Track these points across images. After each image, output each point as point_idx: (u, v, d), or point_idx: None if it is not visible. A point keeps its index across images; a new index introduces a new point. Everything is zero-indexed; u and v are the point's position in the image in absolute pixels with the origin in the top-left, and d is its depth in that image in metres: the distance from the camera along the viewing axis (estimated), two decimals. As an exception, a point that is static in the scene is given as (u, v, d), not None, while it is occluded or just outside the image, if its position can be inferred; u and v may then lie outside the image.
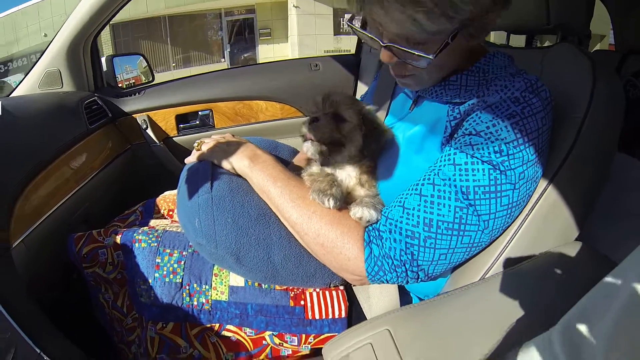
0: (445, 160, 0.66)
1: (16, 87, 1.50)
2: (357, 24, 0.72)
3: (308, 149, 0.76)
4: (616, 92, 0.71)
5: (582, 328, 0.33)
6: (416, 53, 0.65)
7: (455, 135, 0.68)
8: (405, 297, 0.83)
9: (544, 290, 0.63)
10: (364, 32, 0.70)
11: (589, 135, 0.67)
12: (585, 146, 0.67)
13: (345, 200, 0.75)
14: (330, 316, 0.80)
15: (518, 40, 1.10)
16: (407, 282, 0.68)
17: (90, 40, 1.54)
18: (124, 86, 1.86)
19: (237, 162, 0.81)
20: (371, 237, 0.68)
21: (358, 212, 0.70)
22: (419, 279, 0.68)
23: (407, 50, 0.65)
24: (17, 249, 0.87)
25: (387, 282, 0.69)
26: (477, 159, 0.63)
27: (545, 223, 0.69)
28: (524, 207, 0.68)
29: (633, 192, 1.03)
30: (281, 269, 0.75)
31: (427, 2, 0.59)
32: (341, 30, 14.08)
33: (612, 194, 0.85)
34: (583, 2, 0.87)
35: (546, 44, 0.90)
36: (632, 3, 1.90)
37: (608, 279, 0.33)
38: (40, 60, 1.49)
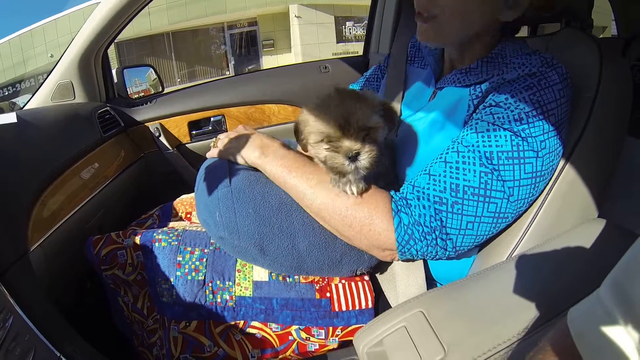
0: (467, 129, 0.68)
1: (29, 100, 1.51)
2: None
3: (356, 184, 0.68)
4: (623, 72, 0.72)
5: (632, 278, 0.31)
6: None
7: (477, 110, 0.70)
8: (431, 286, 0.80)
9: (574, 264, 0.63)
10: None
11: (601, 113, 0.69)
12: (598, 124, 0.69)
13: None
14: (358, 307, 0.78)
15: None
16: (437, 253, 0.68)
17: (102, 52, 1.55)
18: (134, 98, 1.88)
19: (249, 154, 0.79)
20: (399, 207, 0.68)
21: None
22: (447, 251, 0.67)
23: None
24: (35, 252, 0.86)
25: (417, 254, 0.68)
26: (498, 126, 0.65)
27: (565, 201, 0.70)
28: (548, 181, 0.69)
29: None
30: (307, 257, 0.74)
31: None
32: (343, 38, 14.22)
33: (621, 177, 0.84)
34: None
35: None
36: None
37: None
38: (52, 73, 1.50)
